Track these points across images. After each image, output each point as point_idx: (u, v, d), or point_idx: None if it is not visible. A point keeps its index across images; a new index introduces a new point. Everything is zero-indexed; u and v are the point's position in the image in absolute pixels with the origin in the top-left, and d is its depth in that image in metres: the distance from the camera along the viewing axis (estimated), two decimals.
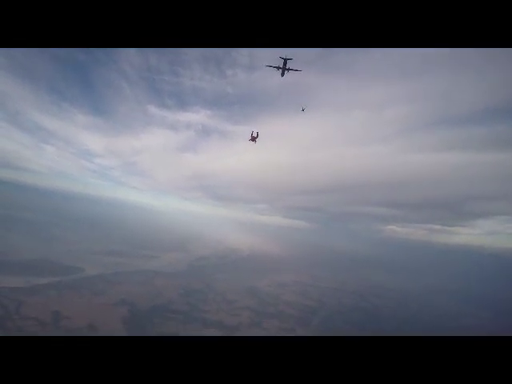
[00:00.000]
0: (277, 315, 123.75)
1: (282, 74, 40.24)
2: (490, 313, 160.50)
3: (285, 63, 38.69)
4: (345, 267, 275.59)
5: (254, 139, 41.34)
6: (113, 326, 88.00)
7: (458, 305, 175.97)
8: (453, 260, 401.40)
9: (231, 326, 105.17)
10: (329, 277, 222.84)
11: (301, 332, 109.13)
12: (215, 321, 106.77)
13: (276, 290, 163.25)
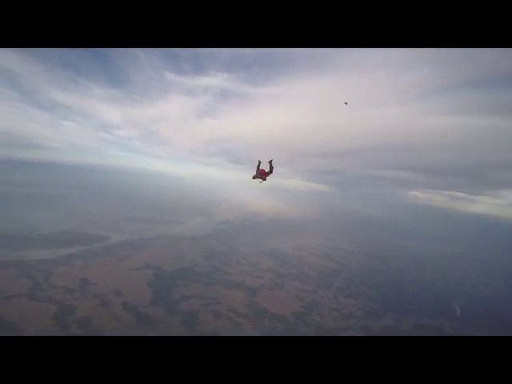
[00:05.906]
0: (299, 277, 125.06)
1: None
2: (508, 286, 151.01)
3: None
4: (366, 231, 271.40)
5: (263, 175, 19.98)
6: (138, 290, 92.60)
7: (477, 274, 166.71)
8: (474, 229, 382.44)
9: (254, 287, 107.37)
10: (350, 240, 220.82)
11: (322, 293, 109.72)
12: (238, 282, 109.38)
13: (298, 253, 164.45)
